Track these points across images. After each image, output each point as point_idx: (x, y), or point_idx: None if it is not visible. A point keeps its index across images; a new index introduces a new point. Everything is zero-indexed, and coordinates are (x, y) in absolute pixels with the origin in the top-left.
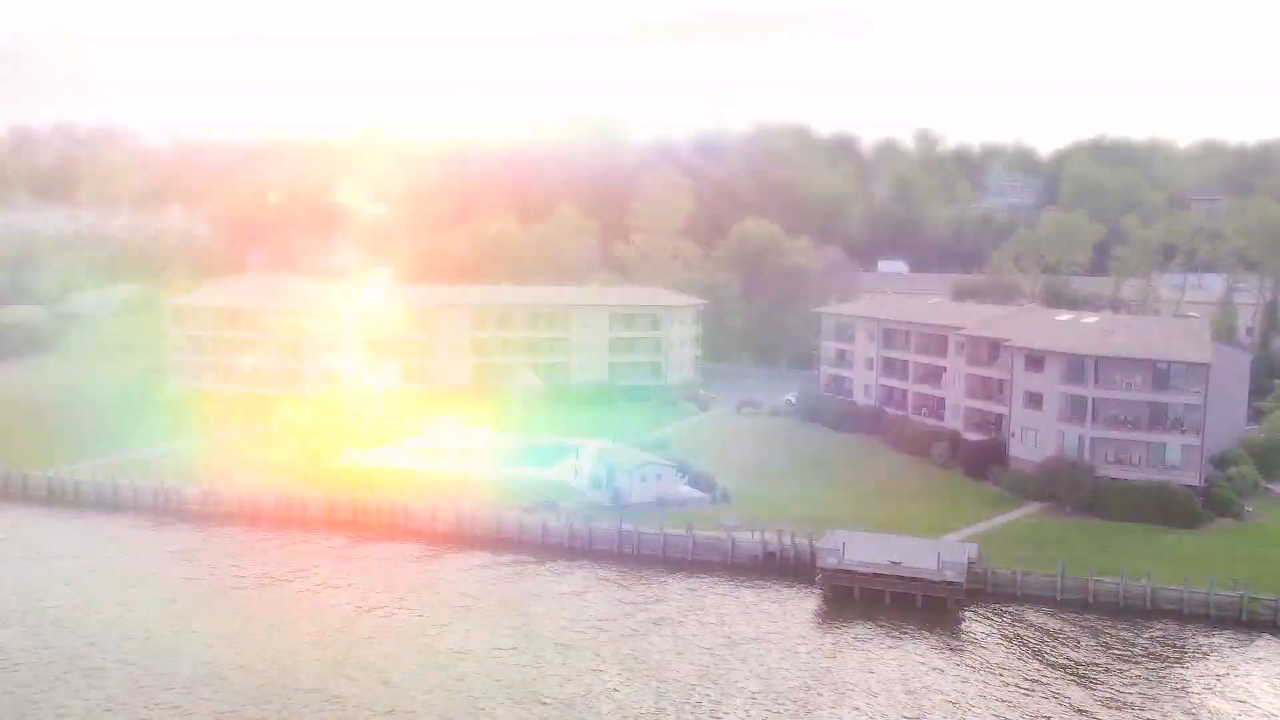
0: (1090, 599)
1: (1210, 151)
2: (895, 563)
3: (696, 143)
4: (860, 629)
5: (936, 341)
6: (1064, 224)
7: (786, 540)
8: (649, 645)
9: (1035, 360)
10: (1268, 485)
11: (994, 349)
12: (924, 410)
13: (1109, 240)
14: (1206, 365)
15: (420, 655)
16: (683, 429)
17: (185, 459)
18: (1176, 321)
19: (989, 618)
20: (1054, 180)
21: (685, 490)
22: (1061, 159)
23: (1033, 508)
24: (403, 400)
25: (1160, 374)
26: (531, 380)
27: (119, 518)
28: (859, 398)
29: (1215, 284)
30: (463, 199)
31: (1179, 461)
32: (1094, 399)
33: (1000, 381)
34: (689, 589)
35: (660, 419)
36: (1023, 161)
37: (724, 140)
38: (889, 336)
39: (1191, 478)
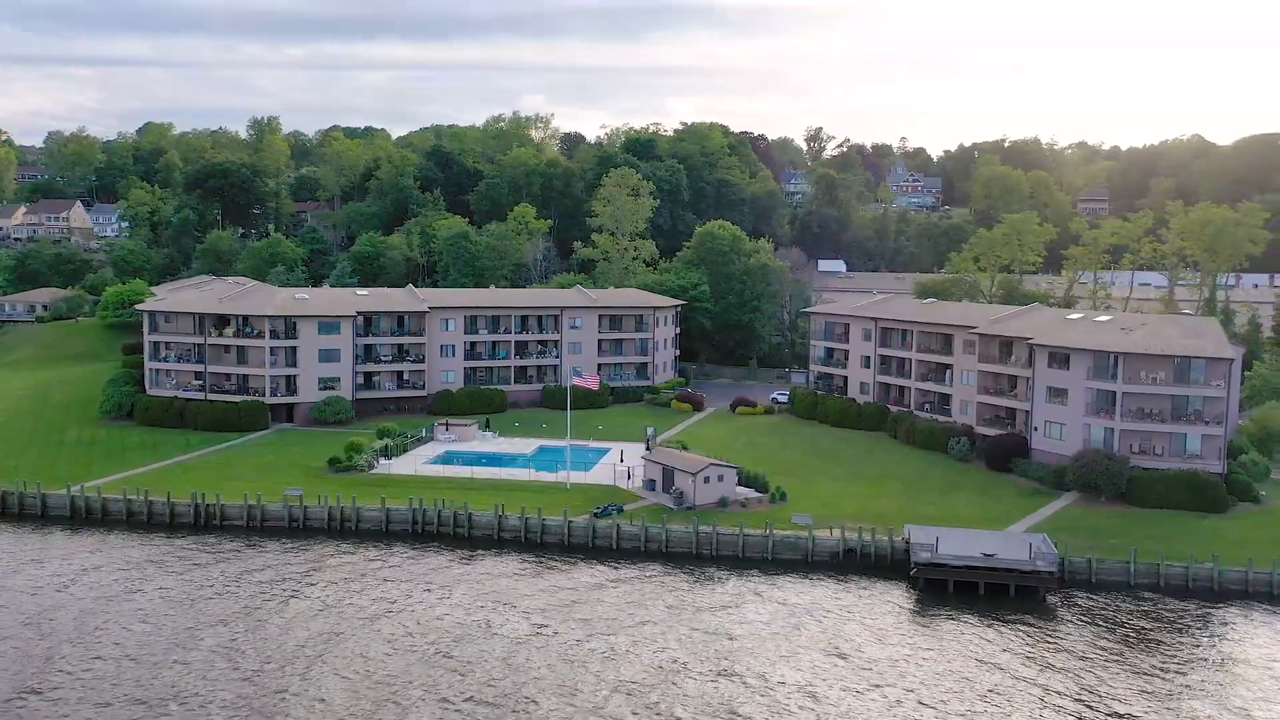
0: (1161, 582)
1: (1087, 155)
2: (989, 555)
3: (628, 143)
4: (966, 616)
5: (940, 339)
6: (1017, 225)
7: (867, 537)
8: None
9: (1060, 357)
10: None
11: (1006, 346)
12: (926, 407)
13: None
14: (1231, 360)
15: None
16: (688, 429)
17: (194, 472)
18: (1188, 320)
19: (1078, 603)
20: (950, 180)
21: (743, 490)
22: (956, 160)
23: (1066, 499)
24: (400, 405)
25: (1181, 368)
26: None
27: (159, 536)
28: (855, 395)
29: (1161, 282)
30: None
31: (1199, 450)
32: (1121, 393)
33: (1014, 378)
34: (794, 589)
35: (662, 420)
36: (917, 162)
37: (654, 140)
38: (887, 335)
39: (1215, 466)
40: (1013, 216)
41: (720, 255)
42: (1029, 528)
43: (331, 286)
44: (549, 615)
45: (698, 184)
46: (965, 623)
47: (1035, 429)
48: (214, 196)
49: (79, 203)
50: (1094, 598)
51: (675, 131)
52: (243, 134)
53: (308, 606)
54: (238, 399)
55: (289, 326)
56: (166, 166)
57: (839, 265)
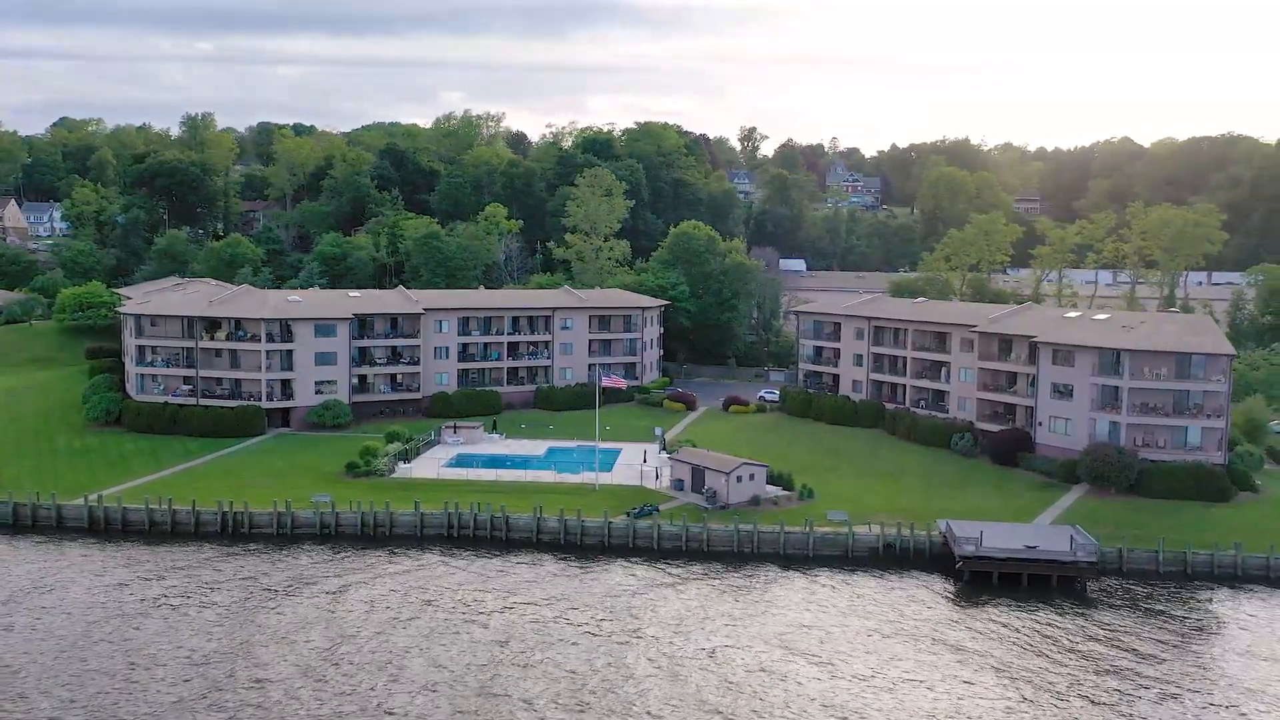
0: (1188, 569)
1: (1018, 157)
2: (1031, 547)
3: (585, 143)
4: (1014, 606)
5: (935, 337)
6: (984, 225)
7: (905, 532)
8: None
9: (1064, 354)
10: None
11: (1006, 344)
12: (921, 404)
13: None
14: (1233, 355)
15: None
16: (689, 428)
17: (205, 479)
18: (1184, 317)
19: (1116, 590)
20: (887, 180)
21: (773, 489)
22: (893, 160)
23: (1077, 491)
24: (394, 408)
25: (1182, 364)
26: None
27: (189, 545)
28: (848, 393)
29: (1124, 279)
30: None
31: (1199, 443)
32: (1128, 389)
33: (1013, 374)
34: (844, 583)
35: (656, 420)
36: (852, 162)
37: (610, 140)
38: (880, 333)
39: (1216, 457)
40: (980, 217)
41: (695, 255)
42: (1053, 520)
43: (303, 288)
44: (632, 616)
45: (655, 184)
46: (1030, 611)
47: (1040, 424)
48: (161, 195)
49: (12, 201)
50: (1130, 585)
51: (627, 131)
52: (175, 131)
53: (391, 615)
54: (233, 404)
55: (284, 329)
56: (100, 164)
57: (800, 264)
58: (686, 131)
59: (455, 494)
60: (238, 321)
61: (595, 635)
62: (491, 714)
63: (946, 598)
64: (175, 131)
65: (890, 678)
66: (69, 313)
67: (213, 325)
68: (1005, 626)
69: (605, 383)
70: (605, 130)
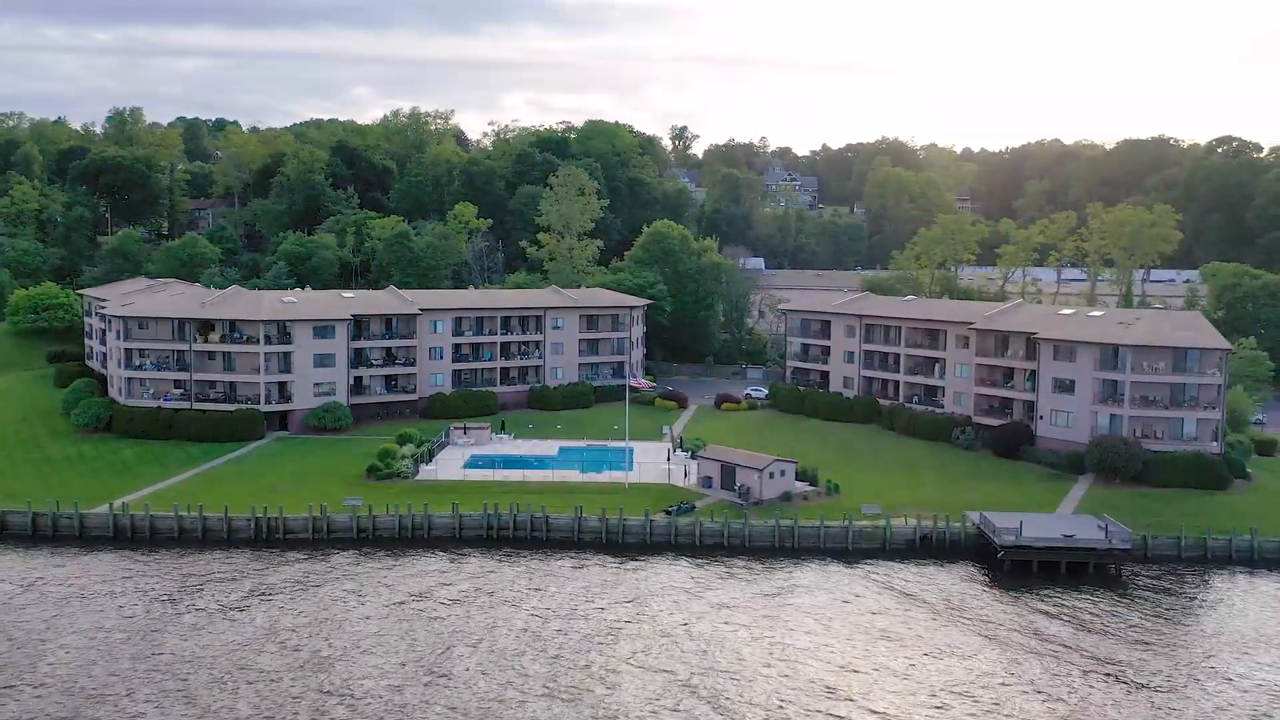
0: (1208, 554)
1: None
2: (1069, 536)
3: (540, 142)
4: (1063, 591)
5: (929, 334)
6: (950, 225)
7: (941, 524)
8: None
9: (1066, 350)
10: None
11: (1003, 340)
12: (915, 399)
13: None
14: (1228, 350)
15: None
16: (688, 426)
17: (222, 485)
18: (1176, 314)
19: (1148, 575)
20: (824, 180)
21: (800, 485)
22: (830, 160)
23: (1084, 482)
24: (390, 409)
25: (1179, 359)
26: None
27: (221, 552)
28: (839, 389)
29: (1081, 276)
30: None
31: (1195, 433)
32: (1129, 382)
33: (1010, 370)
34: (892, 574)
35: (650, 417)
36: (785, 161)
37: (566, 139)
38: (871, 331)
39: (1211, 447)
40: (946, 216)
41: (669, 254)
42: (1074, 509)
43: (271, 289)
44: (713, 612)
45: (612, 183)
46: (1080, 595)
47: (1041, 417)
48: (103, 193)
49: None
50: (1160, 570)
51: (579, 130)
52: (98, 126)
53: (487, 618)
54: (231, 408)
55: (282, 331)
56: (26, 159)
57: (759, 263)
58: (638, 131)
59: (484, 495)
60: (233, 323)
61: (748, 629)
62: None
63: (996, 585)
64: (99, 127)
65: (989, 660)
66: (23, 315)
67: (206, 327)
68: (1066, 608)
69: (634, 383)
70: (559, 129)
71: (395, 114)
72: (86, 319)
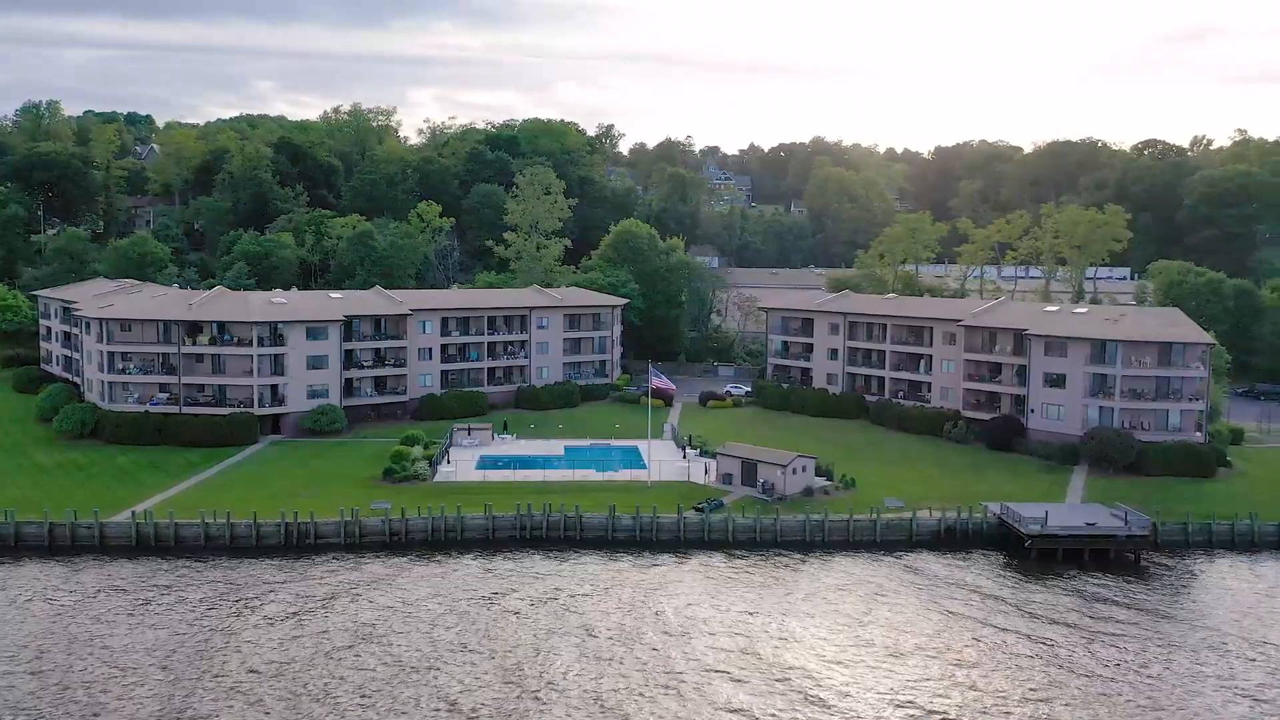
0: (1212, 539)
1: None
2: (1091, 524)
3: (489, 139)
4: (1093, 577)
5: (914, 331)
6: (911, 224)
7: (965, 515)
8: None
9: (1057, 345)
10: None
11: (990, 336)
12: (900, 395)
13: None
14: (1211, 344)
15: None
16: (681, 422)
17: (233, 490)
18: (1159, 311)
19: (1164, 560)
20: (757, 180)
21: (820, 480)
22: (764, 160)
23: (1080, 472)
24: (380, 411)
25: (1164, 353)
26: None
27: (251, 559)
28: (823, 386)
29: (1037, 274)
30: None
31: (1180, 424)
32: (1120, 376)
33: (997, 365)
34: (925, 564)
35: (637, 415)
36: (716, 159)
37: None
38: (855, 328)
39: (1196, 437)
40: (907, 216)
41: (639, 254)
42: (1081, 498)
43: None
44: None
45: (563, 181)
46: (1110, 579)
47: (1032, 411)
48: (37, 190)
49: None
50: (1172, 554)
51: (524, 128)
52: (7, 119)
53: (577, 620)
54: (224, 411)
55: (274, 333)
56: None
57: (714, 262)
58: (581, 129)
59: (507, 495)
60: (222, 325)
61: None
62: None
63: (1028, 572)
64: (9, 120)
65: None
66: None
67: (194, 329)
68: (1108, 590)
69: (655, 384)
70: (506, 125)
71: (336, 110)
72: (42, 321)
